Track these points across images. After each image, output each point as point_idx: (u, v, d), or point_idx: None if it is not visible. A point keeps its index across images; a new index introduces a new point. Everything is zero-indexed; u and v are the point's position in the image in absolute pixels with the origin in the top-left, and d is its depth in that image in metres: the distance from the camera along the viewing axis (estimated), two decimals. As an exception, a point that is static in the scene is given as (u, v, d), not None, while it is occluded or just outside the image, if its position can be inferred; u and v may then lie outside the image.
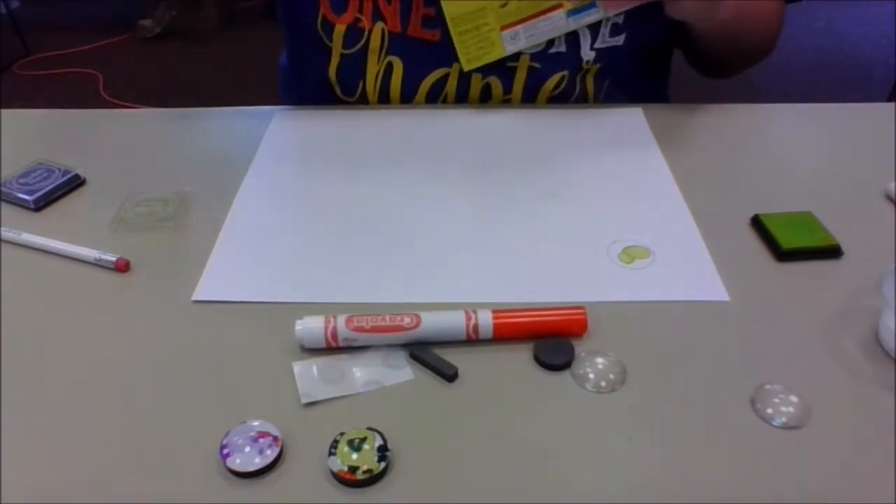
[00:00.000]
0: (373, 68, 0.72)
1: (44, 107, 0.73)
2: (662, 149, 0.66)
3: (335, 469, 0.37)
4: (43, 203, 0.59)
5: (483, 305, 0.46)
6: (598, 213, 0.57)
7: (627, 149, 0.66)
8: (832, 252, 0.53)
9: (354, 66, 0.73)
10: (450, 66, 0.71)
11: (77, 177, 0.61)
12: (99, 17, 3.10)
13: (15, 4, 3.17)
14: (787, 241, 0.53)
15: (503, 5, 0.65)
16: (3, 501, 0.37)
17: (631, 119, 0.71)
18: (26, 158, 0.63)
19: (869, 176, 0.61)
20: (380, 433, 0.39)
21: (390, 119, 0.71)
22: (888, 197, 0.59)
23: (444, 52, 0.70)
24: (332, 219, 0.57)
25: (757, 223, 0.55)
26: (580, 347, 0.45)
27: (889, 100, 1.50)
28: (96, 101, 2.56)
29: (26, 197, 0.58)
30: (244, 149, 0.66)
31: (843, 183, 0.61)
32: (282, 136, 0.69)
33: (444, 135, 0.68)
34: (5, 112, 0.72)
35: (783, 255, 0.52)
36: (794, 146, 0.67)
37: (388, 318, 0.45)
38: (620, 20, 0.69)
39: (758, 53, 0.77)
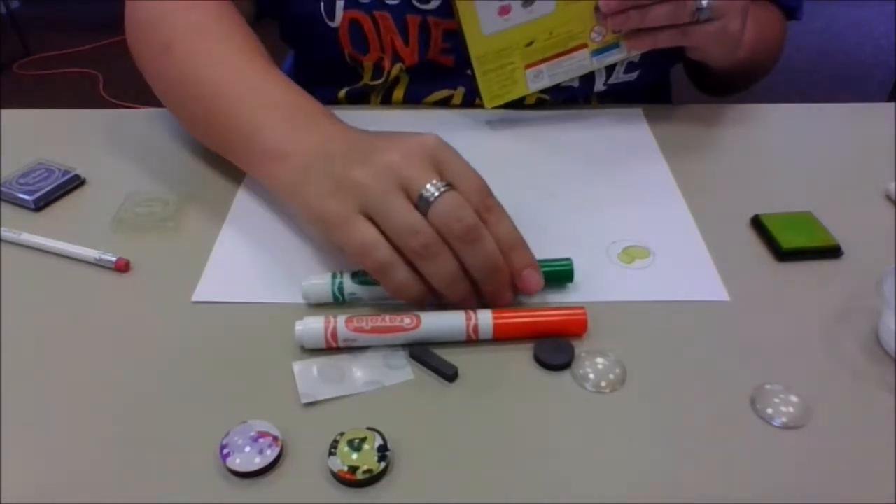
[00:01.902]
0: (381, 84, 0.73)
1: (44, 107, 0.73)
2: (662, 149, 0.66)
3: (335, 469, 0.37)
4: (43, 203, 0.59)
5: (483, 305, 0.46)
6: (598, 213, 0.57)
7: (627, 149, 0.66)
8: (832, 252, 0.53)
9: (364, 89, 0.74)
10: (454, 88, 0.72)
11: (77, 177, 0.61)
12: (99, 17, 3.10)
13: (15, 4, 3.17)
14: (787, 241, 0.53)
15: (529, 44, 0.64)
16: (3, 501, 0.37)
17: (631, 119, 0.71)
18: (26, 158, 0.63)
19: (869, 176, 0.61)
20: (380, 433, 0.39)
21: (392, 119, 0.71)
22: (888, 197, 0.59)
23: (453, 76, 0.70)
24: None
25: (757, 223, 0.55)
26: (580, 347, 0.45)
27: (889, 100, 1.50)
28: (96, 101, 2.56)
29: (26, 197, 0.58)
30: (244, 149, 0.66)
31: (843, 183, 0.61)
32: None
33: (444, 135, 0.68)
34: (5, 112, 0.72)
35: (783, 255, 0.52)
36: (794, 146, 0.67)
37: (388, 318, 0.45)
38: (637, 59, 0.69)
39: (764, 73, 0.79)
